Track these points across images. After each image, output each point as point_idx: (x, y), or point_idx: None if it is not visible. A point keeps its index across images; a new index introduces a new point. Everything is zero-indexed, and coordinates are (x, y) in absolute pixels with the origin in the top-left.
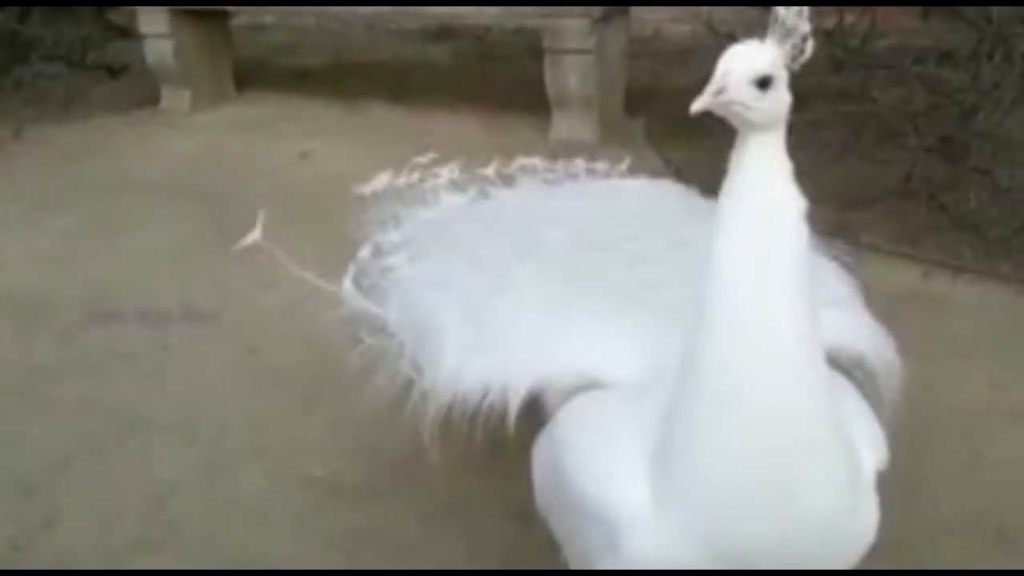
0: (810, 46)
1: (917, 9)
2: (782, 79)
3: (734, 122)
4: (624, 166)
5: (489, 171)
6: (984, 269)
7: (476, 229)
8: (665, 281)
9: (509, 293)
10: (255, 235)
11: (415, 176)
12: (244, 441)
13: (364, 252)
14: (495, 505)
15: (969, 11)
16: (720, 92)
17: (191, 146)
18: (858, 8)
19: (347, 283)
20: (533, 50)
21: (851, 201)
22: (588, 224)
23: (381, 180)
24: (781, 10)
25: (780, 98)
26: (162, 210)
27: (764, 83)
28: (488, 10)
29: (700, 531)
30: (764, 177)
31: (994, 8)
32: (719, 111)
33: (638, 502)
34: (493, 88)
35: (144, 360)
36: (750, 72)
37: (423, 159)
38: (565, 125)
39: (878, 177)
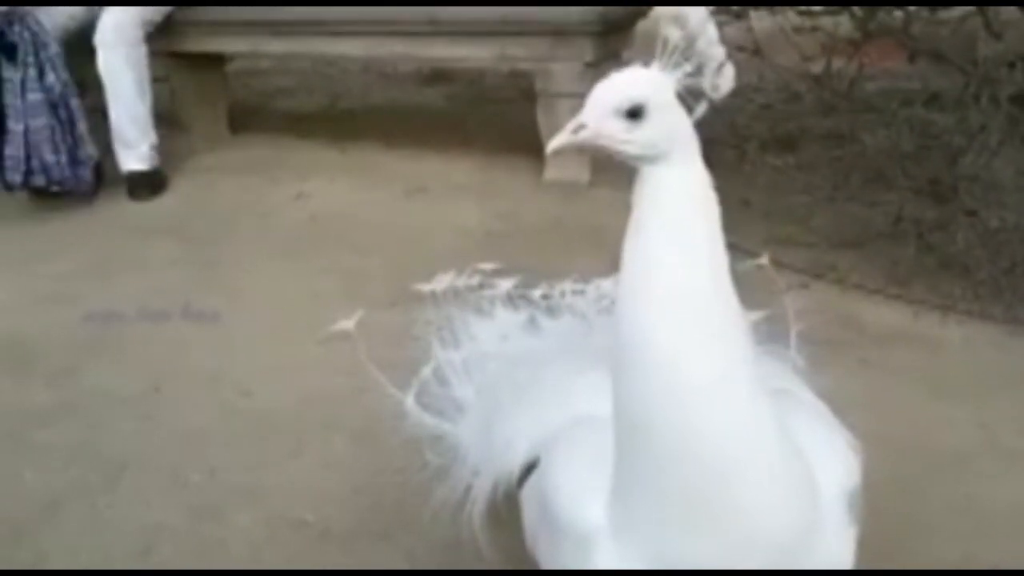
0: (730, 72)
1: (904, 52)
2: (665, 105)
3: (616, 159)
4: None
5: (538, 293)
6: (974, 310)
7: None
8: None
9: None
10: (348, 325)
11: (475, 281)
12: (234, 485)
13: (426, 370)
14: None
15: (955, 55)
16: (579, 128)
17: (186, 189)
18: (846, 52)
19: (410, 400)
20: (526, 93)
21: (840, 243)
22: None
23: (443, 280)
24: (669, 31)
25: (665, 126)
26: (157, 252)
27: (634, 113)
28: (482, 54)
29: (655, 553)
30: (661, 216)
31: (980, 52)
32: (588, 148)
33: (603, 519)
34: (487, 130)
35: (136, 403)
36: (613, 103)
37: (486, 266)
38: (558, 167)
39: (867, 219)
